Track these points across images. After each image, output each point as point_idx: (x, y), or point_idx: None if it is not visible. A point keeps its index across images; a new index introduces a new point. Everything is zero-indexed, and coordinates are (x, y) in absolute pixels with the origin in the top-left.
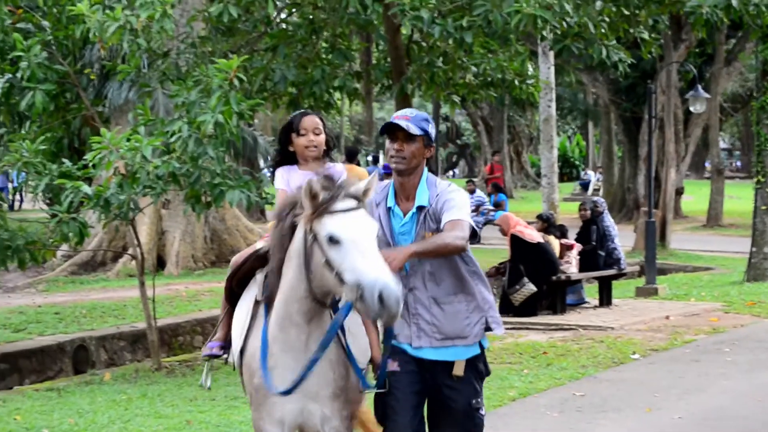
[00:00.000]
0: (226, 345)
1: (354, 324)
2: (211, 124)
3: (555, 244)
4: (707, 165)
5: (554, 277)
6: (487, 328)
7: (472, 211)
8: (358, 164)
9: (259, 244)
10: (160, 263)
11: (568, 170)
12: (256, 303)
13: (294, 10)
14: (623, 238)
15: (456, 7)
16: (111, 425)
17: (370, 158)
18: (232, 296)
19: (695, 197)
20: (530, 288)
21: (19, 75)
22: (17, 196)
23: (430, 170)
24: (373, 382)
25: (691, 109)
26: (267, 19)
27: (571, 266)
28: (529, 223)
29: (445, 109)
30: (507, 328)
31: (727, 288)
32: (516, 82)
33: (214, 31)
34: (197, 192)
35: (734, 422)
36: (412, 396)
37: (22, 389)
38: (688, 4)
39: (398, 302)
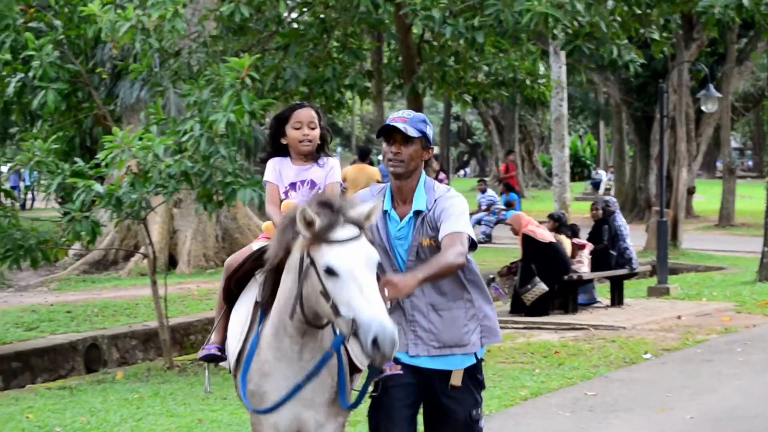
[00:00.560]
0: (224, 348)
1: None
2: (223, 123)
3: (566, 243)
4: (719, 164)
5: (566, 277)
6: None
7: (484, 210)
8: (371, 163)
9: (256, 245)
10: (172, 262)
11: (580, 170)
12: (256, 305)
13: (305, 9)
14: (635, 237)
15: (467, 6)
16: (123, 424)
17: (381, 157)
18: (230, 297)
19: (707, 197)
20: (542, 287)
21: (31, 74)
22: (29, 195)
23: (441, 170)
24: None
25: (703, 108)
26: (278, 18)
27: (582, 266)
28: (540, 222)
29: (456, 109)
30: (518, 328)
31: (739, 288)
32: (527, 82)
33: (226, 30)
34: (209, 191)
35: (747, 422)
36: (406, 409)
37: (35, 388)
38: (700, 3)
39: (393, 346)
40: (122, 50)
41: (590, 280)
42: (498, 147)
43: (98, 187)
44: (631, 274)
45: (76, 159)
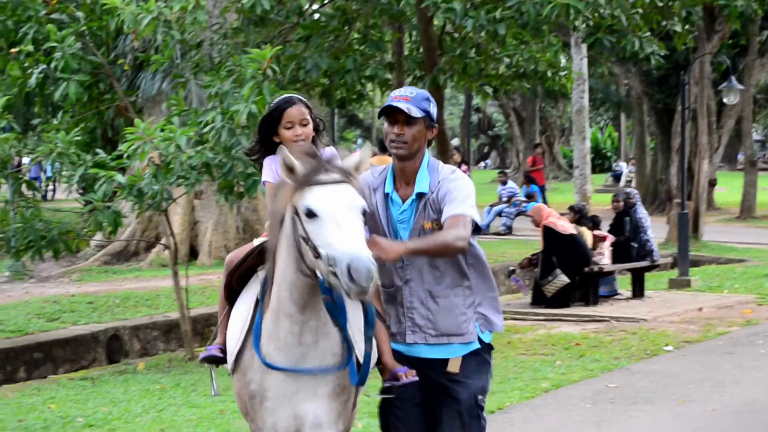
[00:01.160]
0: (226, 349)
1: (357, 320)
2: (245, 115)
3: (587, 235)
4: (740, 156)
5: (587, 269)
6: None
7: (504, 201)
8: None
9: (257, 242)
10: (193, 253)
11: (600, 162)
12: (257, 303)
13: (326, 0)
14: (656, 229)
15: None
16: (145, 414)
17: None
18: (232, 295)
19: (728, 189)
20: (563, 279)
21: (53, 66)
22: (50, 186)
23: (463, 161)
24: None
25: (725, 100)
26: (299, 9)
27: (603, 257)
28: (561, 214)
29: (477, 100)
30: (539, 320)
31: (760, 280)
32: (549, 74)
33: (247, 21)
34: (230, 182)
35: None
36: (416, 408)
37: (57, 378)
38: None
39: (369, 275)
40: (144, 42)
41: (611, 272)
42: (519, 139)
43: (120, 178)
44: (652, 266)
45: (98, 150)
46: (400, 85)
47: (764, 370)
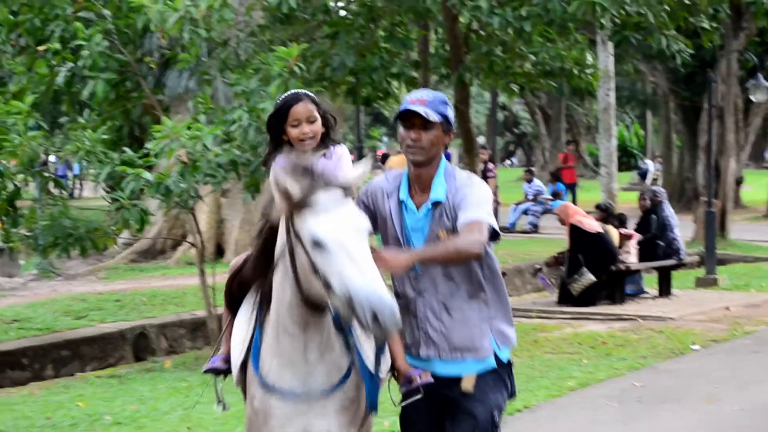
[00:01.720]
0: (230, 359)
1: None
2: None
3: (614, 233)
4: (767, 155)
5: (613, 267)
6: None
7: (530, 200)
8: None
9: None
10: (219, 251)
11: (626, 160)
12: (257, 314)
13: None
14: (683, 228)
15: None
16: (172, 412)
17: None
18: (233, 302)
19: (755, 187)
20: (589, 278)
21: (80, 64)
22: (77, 184)
23: (490, 159)
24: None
25: (752, 98)
26: (325, 7)
27: (630, 256)
28: (587, 212)
29: (502, 98)
30: (566, 318)
31: None
32: (575, 71)
33: (273, 19)
34: (257, 180)
35: None
36: (431, 416)
37: (84, 376)
38: None
39: (394, 320)
40: (170, 40)
41: (638, 271)
42: (545, 137)
43: (147, 175)
44: (679, 265)
45: (125, 148)
46: (426, 83)
47: None
